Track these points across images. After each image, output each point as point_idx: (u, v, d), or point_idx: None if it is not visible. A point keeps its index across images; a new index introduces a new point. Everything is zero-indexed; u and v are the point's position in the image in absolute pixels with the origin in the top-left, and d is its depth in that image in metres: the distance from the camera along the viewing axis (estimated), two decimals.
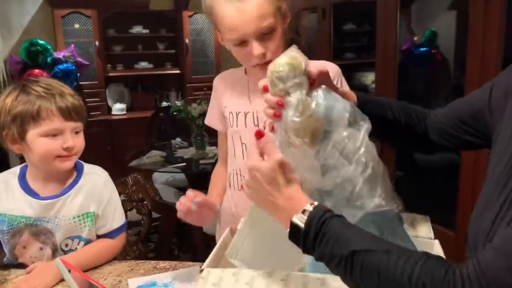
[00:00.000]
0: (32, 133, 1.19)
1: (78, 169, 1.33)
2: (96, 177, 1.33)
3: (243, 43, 1.11)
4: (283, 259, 0.89)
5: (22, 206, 1.25)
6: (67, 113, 1.20)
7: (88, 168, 1.35)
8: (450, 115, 0.95)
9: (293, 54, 0.80)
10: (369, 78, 4.20)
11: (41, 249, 1.28)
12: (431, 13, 4.18)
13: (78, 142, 1.25)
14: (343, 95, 0.89)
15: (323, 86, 0.82)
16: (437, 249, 0.93)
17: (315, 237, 0.69)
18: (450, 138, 0.94)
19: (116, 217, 1.35)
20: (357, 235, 0.67)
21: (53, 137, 1.20)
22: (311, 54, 0.87)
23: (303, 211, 0.71)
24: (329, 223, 0.68)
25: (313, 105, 0.78)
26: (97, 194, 1.31)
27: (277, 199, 0.75)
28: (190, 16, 5.15)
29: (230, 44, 1.15)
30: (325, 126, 0.79)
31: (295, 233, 0.72)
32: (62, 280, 1.15)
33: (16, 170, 1.31)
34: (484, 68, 2.34)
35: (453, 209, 2.61)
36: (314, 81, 0.82)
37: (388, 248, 0.64)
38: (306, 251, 0.71)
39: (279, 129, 0.82)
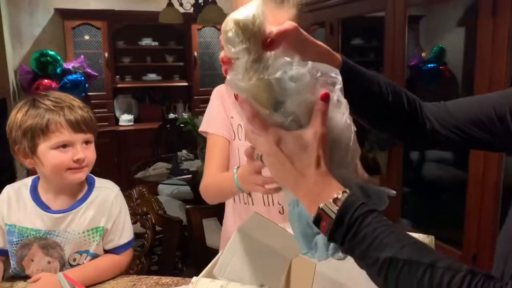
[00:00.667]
0: (43, 147, 1.20)
1: (89, 183, 1.33)
2: (107, 191, 1.33)
3: None
4: (271, 277, 0.88)
5: (33, 219, 1.25)
6: (76, 125, 1.21)
7: (99, 182, 1.35)
8: (466, 111, 0.88)
9: (250, 10, 0.65)
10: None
11: (49, 263, 1.28)
12: (439, 30, 4.18)
13: (88, 154, 1.25)
14: (323, 53, 0.76)
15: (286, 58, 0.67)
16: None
17: (347, 232, 0.62)
18: (461, 134, 0.88)
19: (124, 233, 1.34)
20: (397, 239, 0.61)
21: (64, 149, 1.21)
22: None
23: (334, 200, 0.63)
24: (366, 219, 0.62)
25: (263, 74, 0.65)
26: (107, 208, 1.31)
27: (303, 178, 0.65)
28: (199, 30, 5.19)
29: None
30: (278, 96, 0.65)
31: (321, 220, 0.64)
32: None
33: (28, 181, 1.31)
34: (492, 86, 2.32)
35: (460, 227, 2.58)
36: (272, 43, 0.65)
37: (433, 260, 0.58)
38: (331, 240, 0.64)
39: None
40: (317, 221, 0.65)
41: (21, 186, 1.30)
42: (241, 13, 0.65)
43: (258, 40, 0.65)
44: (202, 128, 1.38)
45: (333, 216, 0.62)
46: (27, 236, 1.25)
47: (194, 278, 0.85)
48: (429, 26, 4.26)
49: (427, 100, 1.00)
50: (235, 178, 1.06)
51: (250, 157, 0.81)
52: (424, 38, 4.34)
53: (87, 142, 1.26)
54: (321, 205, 0.63)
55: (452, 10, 3.93)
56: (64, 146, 1.21)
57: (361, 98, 0.81)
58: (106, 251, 1.33)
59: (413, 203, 3.20)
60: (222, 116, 1.34)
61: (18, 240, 1.26)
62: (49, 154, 1.20)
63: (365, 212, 0.62)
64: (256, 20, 0.64)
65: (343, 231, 0.62)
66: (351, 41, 4.71)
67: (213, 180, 1.30)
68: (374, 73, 0.87)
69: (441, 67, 4.08)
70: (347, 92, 0.72)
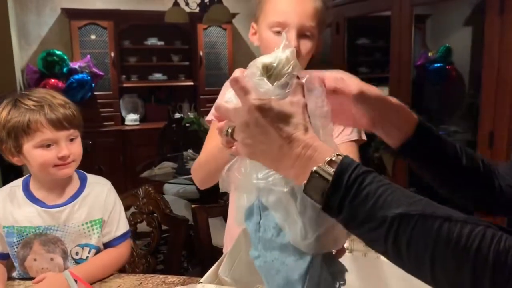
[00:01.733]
0: (27, 146, 1.21)
1: (81, 179, 1.35)
2: (100, 186, 1.36)
3: (278, 33, 1.12)
4: None
5: (30, 216, 1.26)
6: (58, 123, 1.21)
7: (91, 178, 1.38)
8: None
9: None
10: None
11: (51, 259, 1.28)
12: (446, 29, 4.16)
13: (74, 150, 1.26)
14: (400, 110, 0.75)
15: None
16: None
17: (345, 194, 0.56)
18: None
19: (120, 224, 1.36)
20: (404, 196, 0.56)
21: (47, 147, 1.21)
22: (324, 68, 0.86)
23: (329, 162, 0.57)
24: (366, 178, 0.56)
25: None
26: (102, 201, 1.33)
27: (290, 143, 0.59)
28: (204, 29, 5.19)
29: (266, 28, 1.14)
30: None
31: (315, 187, 0.58)
32: None
33: (18, 182, 1.33)
34: (500, 86, 2.31)
35: None
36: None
37: (448, 214, 0.54)
38: (328, 209, 0.58)
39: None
40: (311, 189, 0.58)
41: (12, 188, 1.31)
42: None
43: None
44: (208, 118, 1.37)
45: (329, 178, 0.56)
46: (27, 234, 1.26)
47: (199, 285, 0.84)
48: (435, 25, 4.24)
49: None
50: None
51: (219, 132, 0.70)
52: (431, 38, 4.32)
53: (72, 138, 1.26)
54: (314, 168, 0.57)
55: (459, 9, 3.91)
56: (48, 144, 1.21)
57: (433, 159, 0.78)
58: (104, 245, 1.35)
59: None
60: None
61: (19, 240, 1.27)
62: (33, 152, 1.21)
63: (364, 172, 0.57)
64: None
65: (341, 193, 0.56)
66: (357, 41, 4.70)
67: (203, 152, 1.26)
68: (448, 138, 0.82)
69: (447, 67, 4.06)
70: (420, 152, 0.74)
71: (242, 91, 0.61)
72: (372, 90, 0.75)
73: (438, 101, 4.00)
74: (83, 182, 1.35)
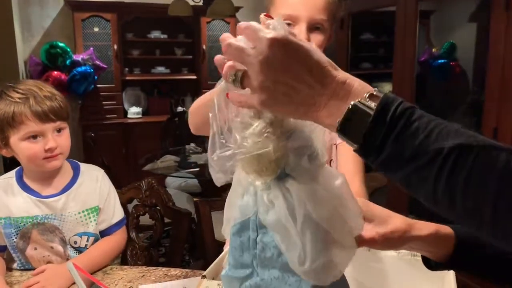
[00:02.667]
0: (13, 139, 1.21)
1: (74, 168, 1.36)
2: (93, 173, 1.38)
3: (289, 25, 1.10)
4: None
5: (27, 207, 1.27)
6: (44, 116, 1.21)
7: (84, 166, 1.39)
8: None
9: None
10: (385, 88, 4.18)
11: (51, 247, 1.30)
12: (450, 25, 4.14)
13: (61, 142, 1.26)
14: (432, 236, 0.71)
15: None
16: (450, 272, 0.89)
17: (390, 129, 0.48)
18: None
19: (116, 211, 1.38)
20: (460, 130, 0.48)
21: (34, 140, 1.22)
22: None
23: (371, 96, 0.50)
24: (415, 112, 0.49)
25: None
26: (97, 189, 1.35)
27: (323, 79, 0.51)
28: (208, 23, 5.17)
29: None
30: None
31: (353, 123, 0.50)
32: (73, 283, 1.15)
33: (11, 173, 1.33)
34: (505, 83, 2.30)
35: None
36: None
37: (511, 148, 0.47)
38: (366, 148, 0.50)
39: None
40: (347, 127, 0.51)
41: (5, 179, 1.32)
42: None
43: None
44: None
45: (371, 112, 0.49)
46: (24, 224, 1.27)
47: (203, 282, 0.84)
48: (440, 21, 4.23)
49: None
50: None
51: (225, 77, 0.57)
52: (435, 34, 4.30)
53: (59, 130, 1.26)
54: (353, 102, 0.50)
55: (464, 5, 3.89)
56: (35, 136, 1.21)
57: (484, 265, 0.74)
58: (101, 233, 1.36)
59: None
60: None
61: (17, 231, 1.27)
62: (20, 145, 1.21)
63: (411, 107, 0.50)
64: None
65: (384, 128, 0.49)
66: (360, 36, 4.68)
67: (202, 96, 1.17)
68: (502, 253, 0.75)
69: (451, 63, 4.05)
70: (469, 265, 0.70)
71: (256, 29, 0.52)
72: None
73: (441, 97, 3.99)
74: (76, 171, 1.35)
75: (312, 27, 1.10)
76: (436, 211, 0.51)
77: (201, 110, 1.12)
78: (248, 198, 0.63)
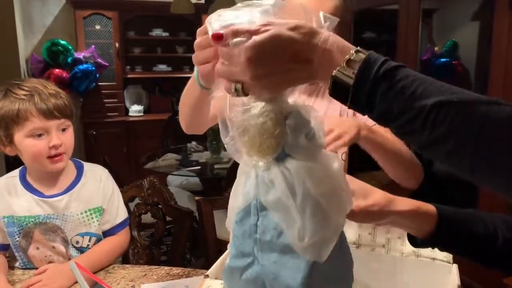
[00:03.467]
0: (18, 135, 1.21)
1: (78, 168, 1.36)
2: (97, 173, 1.37)
3: None
4: None
5: (29, 206, 1.27)
6: (48, 113, 1.21)
7: (87, 166, 1.38)
8: None
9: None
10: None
11: (53, 247, 1.29)
12: (452, 24, 4.13)
13: (66, 140, 1.25)
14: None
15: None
16: (454, 273, 0.89)
17: (375, 86, 0.52)
18: None
19: (119, 211, 1.38)
20: (443, 86, 0.52)
21: (39, 137, 1.21)
22: None
23: (348, 62, 0.54)
24: (398, 69, 0.53)
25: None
26: (101, 189, 1.34)
27: (310, 41, 0.55)
28: None
29: None
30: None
31: (339, 91, 0.54)
32: (75, 282, 1.15)
33: (15, 173, 1.33)
34: (508, 82, 2.29)
35: None
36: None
37: (493, 99, 0.50)
38: (357, 109, 0.55)
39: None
40: (337, 91, 0.54)
41: (9, 179, 1.32)
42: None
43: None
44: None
45: (351, 81, 0.53)
46: (27, 224, 1.27)
47: (206, 281, 0.84)
48: (442, 20, 4.21)
49: None
50: (195, 73, 0.92)
51: (228, 92, 0.60)
52: (437, 32, 4.29)
53: (64, 129, 1.26)
54: (334, 73, 0.54)
55: (467, 3, 3.88)
56: (40, 134, 1.21)
57: (465, 249, 0.76)
58: (104, 233, 1.36)
59: (423, 200, 3.17)
60: None
61: (19, 230, 1.27)
62: (25, 142, 1.21)
63: (395, 66, 0.53)
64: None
65: (367, 89, 0.53)
66: (362, 34, 4.66)
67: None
68: (474, 212, 0.79)
69: (453, 62, 4.03)
70: (451, 242, 0.72)
71: (227, 51, 0.56)
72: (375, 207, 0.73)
73: None
74: (79, 171, 1.35)
75: None
76: (429, 158, 0.54)
77: (182, 102, 1.09)
78: (250, 183, 0.65)
